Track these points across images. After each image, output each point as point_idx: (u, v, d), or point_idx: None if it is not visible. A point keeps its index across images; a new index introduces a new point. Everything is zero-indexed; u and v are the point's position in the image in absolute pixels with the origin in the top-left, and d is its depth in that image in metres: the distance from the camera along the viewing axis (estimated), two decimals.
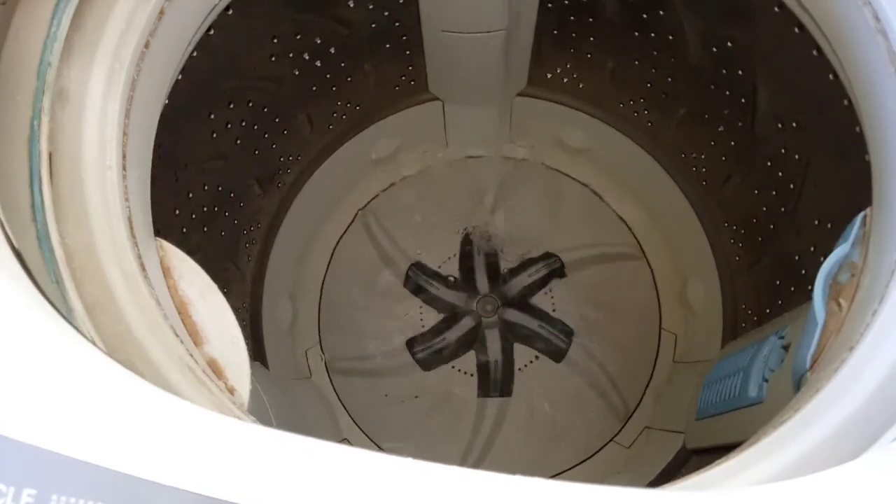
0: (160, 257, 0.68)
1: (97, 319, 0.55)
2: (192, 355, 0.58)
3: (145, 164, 0.71)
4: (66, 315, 0.47)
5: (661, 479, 1.32)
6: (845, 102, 0.85)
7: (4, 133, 0.56)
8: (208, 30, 0.87)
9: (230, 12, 0.94)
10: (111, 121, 0.63)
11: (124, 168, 0.64)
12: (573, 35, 1.37)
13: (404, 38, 1.33)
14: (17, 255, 0.44)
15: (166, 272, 0.68)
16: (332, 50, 1.25)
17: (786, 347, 0.92)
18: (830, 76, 0.87)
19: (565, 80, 1.49)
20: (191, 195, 1.09)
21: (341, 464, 0.39)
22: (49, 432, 0.33)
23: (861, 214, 0.70)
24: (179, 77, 0.83)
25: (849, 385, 0.52)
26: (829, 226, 1.02)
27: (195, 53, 0.86)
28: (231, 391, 0.64)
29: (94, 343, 0.47)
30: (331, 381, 1.55)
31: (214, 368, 0.65)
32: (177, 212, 1.05)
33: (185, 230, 1.08)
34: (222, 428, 0.36)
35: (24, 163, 0.56)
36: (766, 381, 0.96)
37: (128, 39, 0.66)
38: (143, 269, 0.60)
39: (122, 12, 0.66)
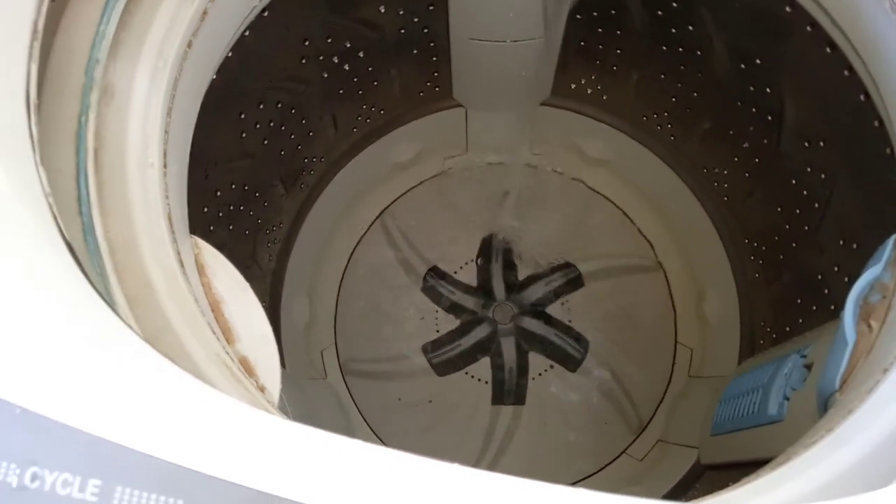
0: (195, 254, 0.69)
1: (137, 313, 0.55)
2: (227, 352, 0.59)
3: (183, 162, 0.72)
4: (112, 307, 0.48)
5: (674, 493, 1.31)
6: (876, 123, 0.85)
7: (53, 128, 0.57)
8: (244, 31, 0.89)
9: (265, 14, 0.95)
10: (154, 118, 0.64)
11: (165, 165, 0.64)
12: (600, 47, 1.37)
13: (432, 44, 1.34)
14: (69, 247, 0.45)
15: (201, 270, 0.69)
16: (361, 54, 1.26)
17: (808, 366, 0.92)
18: (861, 96, 0.87)
19: (589, 90, 1.50)
20: (218, 193, 1.10)
21: (384, 465, 0.40)
22: (113, 424, 0.34)
23: (894, 237, 0.70)
24: (214, 76, 0.84)
25: (884, 408, 0.52)
26: (854, 246, 1.02)
27: (229, 54, 0.87)
28: (262, 389, 0.65)
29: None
30: (345, 382, 1.56)
31: (245, 366, 0.66)
32: (205, 209, 1.06)
33: (211, 227, 1.09)
34: (275, 428, 0.36)
35: (71, 157, 0.57)
36: (787, 399, 0.96)
37: (172, 38, 0.67)
38: (181, 265, 0.60)
39: (167, 12, 0.67)
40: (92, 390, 0.35)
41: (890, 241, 0.70)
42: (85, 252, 0.53)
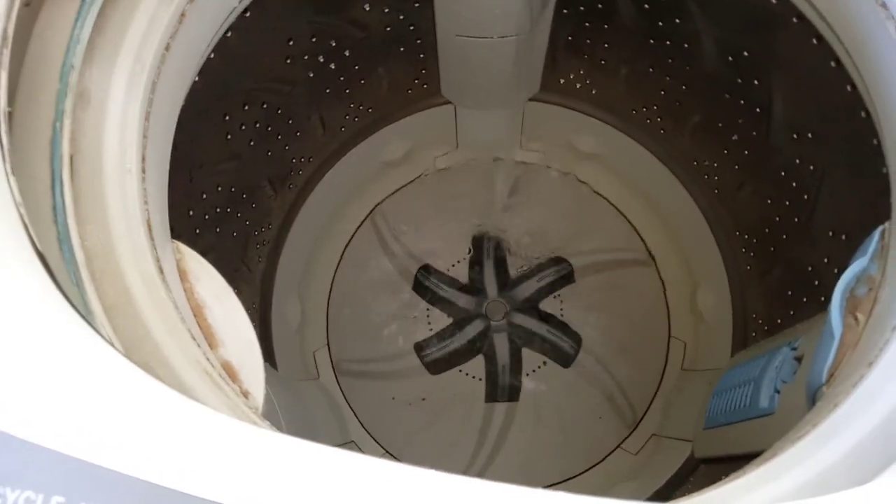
0: (177, 260, 0.68)
1: (116, 322, 0.55)
2: (208, 359, 0.58)
3: (163, 167, 0.71)
4: (87, 317, 0.47)
5: (669, 487, 1.31)
6: (863, 114, 0.85)
7: (28, 134, 0.57)
8: (226, 32, 0.88)
9: (248, 14, 0.94)
10: (131, 123, 0.63)
11: (143, 171, 0.64)
12: (588, 41, 1.37)
13: (418, 41, 1.34)
14: (41, 257, 0.44)
15: (183, 275, 0.68)
16: (347, 53, 1.26)
17: (798, 359, 0.92)
18: (848, 87, 0.86)
19: (578, 85, 1.49)
20: (204, 196, 1.10)
21: (358, 473, 0.39)
22: (76, 440, 0.33)
23: (880, 228, 0.70)
24: (196, 79, 0.83)
25: (868, 402, 0.52)
26: (843, 237, 1.02)
27: (212, 55, 0.87)
28: (245, 394, 0.64)
29: (113, 346, 0.47)
30: (338, 382, 1.55)
31: (229, 371, 0.66)
32: (190, 212, 1.05)
33: (197, 231, 1.08)
34: (245, 437, 0.36)
35: (45, 165, 0.56)
36: (778, 392, 0.96)
37: (149, 42, 0.66)
38: (161, 272, 0.60)
39: (144, 15, 0.66)
40: (55, 406, 0.35)
41: (876, 234, 0.69)
42: (60, 262, 0.52)
